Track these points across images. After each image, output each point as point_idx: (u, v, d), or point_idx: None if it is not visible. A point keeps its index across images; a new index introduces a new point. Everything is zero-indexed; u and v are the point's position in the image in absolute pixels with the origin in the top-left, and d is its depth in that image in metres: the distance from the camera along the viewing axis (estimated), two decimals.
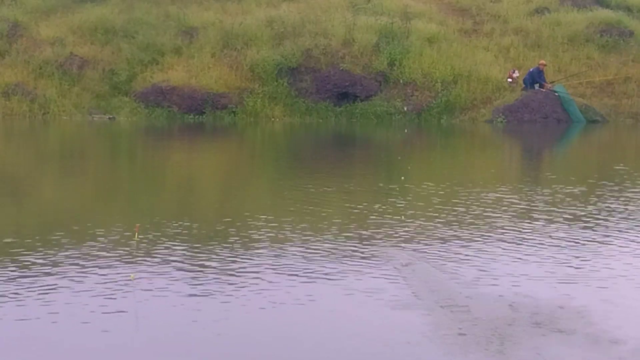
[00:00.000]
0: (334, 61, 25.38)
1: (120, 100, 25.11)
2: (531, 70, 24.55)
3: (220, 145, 18.61)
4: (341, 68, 25.23)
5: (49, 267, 5.94)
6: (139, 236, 6.81)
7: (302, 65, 25.34)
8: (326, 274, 5.87)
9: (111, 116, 24.56)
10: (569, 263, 6.31)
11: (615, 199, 9.47)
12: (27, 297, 5.23)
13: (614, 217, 8.31)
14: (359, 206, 8.72)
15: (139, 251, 6.45)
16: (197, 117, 24.52)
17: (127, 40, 26.23)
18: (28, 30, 26.69)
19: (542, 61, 24.78)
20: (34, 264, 6.04)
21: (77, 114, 24.56)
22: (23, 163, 14.16)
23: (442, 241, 6.98)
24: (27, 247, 6.57)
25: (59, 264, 6.06)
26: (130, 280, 5.57)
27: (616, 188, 10.37)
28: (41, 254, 6.35)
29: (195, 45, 26.19)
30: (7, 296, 5.21)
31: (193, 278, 5.73)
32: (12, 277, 5.68)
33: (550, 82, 24.65)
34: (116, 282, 5.57)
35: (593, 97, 25.18)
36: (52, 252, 6.43)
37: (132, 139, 20.09)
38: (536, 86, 24.47)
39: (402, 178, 11.10)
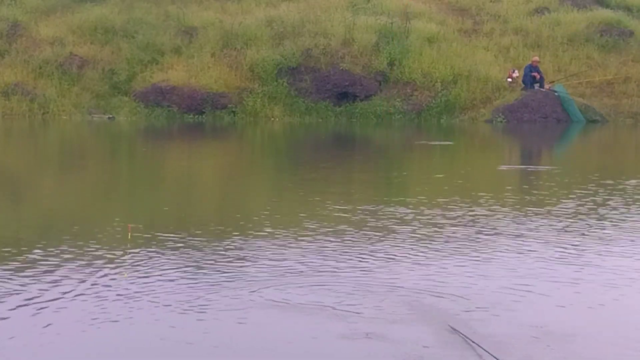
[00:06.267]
0: (333, 61, 25.38)
1: (119, 100, 25.13)
2: (525, 68, 24.53)
3: (219, 145, 18.60)
4: (341, 68, 25.23)
5: (39, 265, 5.93)
6: (131, 235, 6.80)
7: (302, 65, 25.35)
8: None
9: (111, 116, 24.57)
10: None
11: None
12: (18, 294, 5.22)
13: None
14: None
15: (132, 250, 6.44)
16: (196, 116, 24.53)
17: (126, 40, 26.26)
18: (28, 30, 26.72)
19: (535, 57, 24.72)
20: (26, 261, 6.04)
21: (77, 114, 24.58)
22: (21, 163, 14.17)
23: None
24: (20, 245, 6.57)
25: (50, 263, 6.05)
26: (123, 278, 5.57)
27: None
28: (34, 252, 6.34)
29: (195, 45, 26.20)
30: None
31: (188, 277, 5.72)
32: (4, 275, 5.67)
33: (550, 82, 24.65)
34: (109, 279, 5.56)
35: (593, 97, 25.18)
36: (44, 251, 6.42)
37: (132, 139, 20.09)
38: (536, 86, 24.47)
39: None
